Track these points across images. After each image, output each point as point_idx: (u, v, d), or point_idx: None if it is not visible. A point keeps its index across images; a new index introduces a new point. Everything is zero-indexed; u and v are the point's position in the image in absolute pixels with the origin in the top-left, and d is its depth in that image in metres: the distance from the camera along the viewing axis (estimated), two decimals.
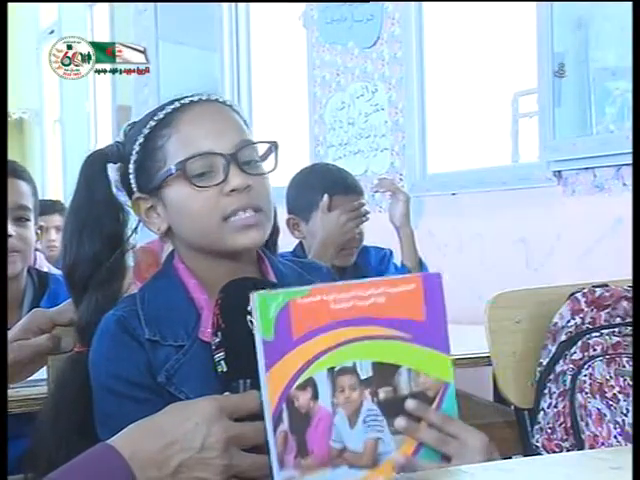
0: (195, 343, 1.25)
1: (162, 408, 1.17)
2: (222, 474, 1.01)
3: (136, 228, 1.37)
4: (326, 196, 2.59)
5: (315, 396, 1.03)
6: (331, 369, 1.03)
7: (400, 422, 1.05)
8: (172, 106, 1.31)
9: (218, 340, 1.11)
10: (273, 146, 1.34)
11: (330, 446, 1.03)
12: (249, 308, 1.09)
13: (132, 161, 1.33)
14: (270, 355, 1.01)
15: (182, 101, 1.32)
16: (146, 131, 1.32)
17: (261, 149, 1.35)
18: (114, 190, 1.36)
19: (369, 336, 1.05)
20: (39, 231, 2.19)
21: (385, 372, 1.05)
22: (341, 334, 1.04)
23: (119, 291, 1.35)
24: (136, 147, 1.32)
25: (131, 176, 1.34)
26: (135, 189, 1.34)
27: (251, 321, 1.09)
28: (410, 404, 1.05)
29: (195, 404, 1.04)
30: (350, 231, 2.62)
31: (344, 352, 1.04)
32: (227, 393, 1.10)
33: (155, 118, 1.32)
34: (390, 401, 1.06)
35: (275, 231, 1.46)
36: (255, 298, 1.00)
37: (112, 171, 1.36)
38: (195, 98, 1.32)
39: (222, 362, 1.11)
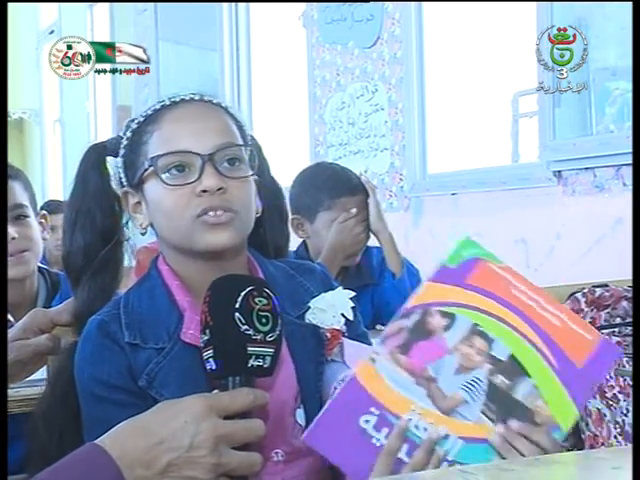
0: (176, 345, 1.24)
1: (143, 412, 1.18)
2: (211, 472, 1.00)
3: (127, 222, 1.37)
4: (354, 210, 2.60)
5: (447, 329, 1.07)
6: (475, 324, 1.07)
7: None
8: (162, 103, 1.31)
9: (207, 338, 1.10)
10: (255, 150, 1.32)
11: (425, 368, 1.07)
12: (237, 306, 1.09)
13: (121, 155, 1.34)
14: (440, 275, 1.08)
15: (173, 99, 1.31)
16: (134, 126, 1.32)
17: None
18: (113, 183, 1.36)
19: (526, 335, 1.07)
20: (42, 221, 2.18)
21: (514, 369, 1.07)
22: (505, 313, 1.07)
23: (111, 283, 1.35)
24: (124, 141, 1.33)
25: (120, 170, 1.34)
26: (125, 183, 1.34)
27: (239, 319, 1.08)
28: (514, 425, 1.07)
29: (184, 402, 1.03)
30: (363, 240, 2.64)
31: (496, 325, 1.07)
32: (216, 391, 1.09)
33: (144, 114, 1.32)
34: (499, 390, 1.07)
35: (285, 237, 1.46)
36: (464, 237, 1.08)
37: (112, 164, 1.37)
38: (186, 97, 1.31)
39: (211, 360, 1.10)
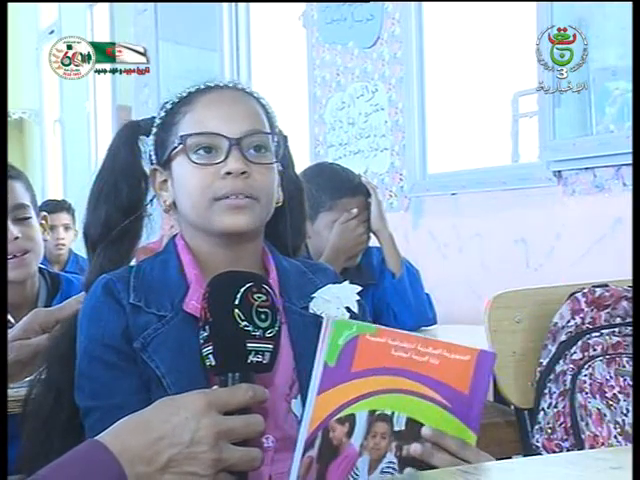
0: (178, 315, 1.27)
1: (133, 375, 1.23)
2: (212, 468, 1.01)
3: (152, 199, 1.41)
4: (355, 211, 2.60)
5: (350, 433, 1.05)
6: (372, 412, 1.06)
7: (416, 448, 1.07)
8: (196, 87, 1.36)
9: (206, 334, 1.11)
10: (282, 140, 1.36)
11: None
12: (236, 302, 1.09)
13: (153, 133, 1.38)
14: (326, 380, 1.04)
15: (207, 84, 1.36)
16: (168, 106, 1.37)
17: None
18: (142, 161, 1.40)
19: (414, 392, 1.07)
20: (43, 222, 2.18)
21: (414, 430, 1.08)
22: (392, 382, 1.06)
23: (125, 255, 1.38)
24: (157, 121, 1.37)
25: (151, 148, 1.38)
26: (154, 161, 1.38)
27: (239, 315, 1.09)
28: (426, 431, 1.07)
29: (184, 398, 1.03)
30: (364, 241, 2.64)
31: (388, 399, 1.06)
32: (216, 387, 1.10)
33: (179, 95, 1.36)
34: (410, 460, 1.07)
35: (303, 236, 1.48)
36: (331, 323, 1.04)
37: (144, 143, 1.41)
38: (221, 84, 1.36)
39: (210, 356, 1.10)
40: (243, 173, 1.28)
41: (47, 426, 1.33)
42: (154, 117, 1.39)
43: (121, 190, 1.37)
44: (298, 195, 1.45)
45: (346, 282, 1.39)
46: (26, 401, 1.38)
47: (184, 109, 1.34)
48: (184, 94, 1.36)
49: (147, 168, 1.40)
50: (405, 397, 1.07)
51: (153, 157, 1.38)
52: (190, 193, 1.30)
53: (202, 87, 1.35)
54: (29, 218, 2.07)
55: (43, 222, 2.18)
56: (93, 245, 1.38)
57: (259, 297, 1.11)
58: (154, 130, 1.37)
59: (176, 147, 1.32)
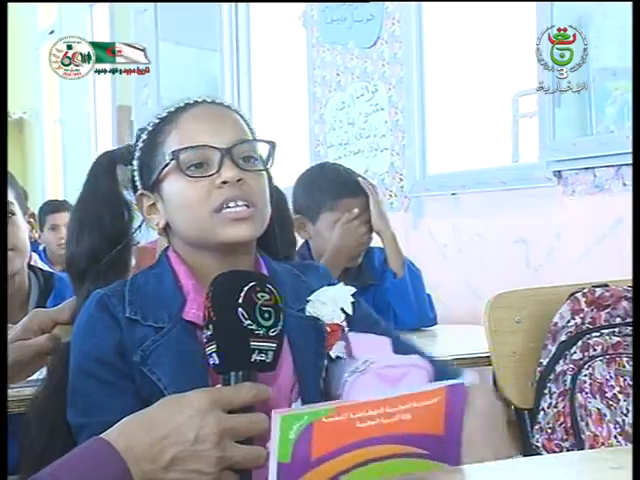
0: (176, 326, 1.27)
1: (127, 393, 1.23)
2: (216, 466, 1.01)
3: (140, 226, 1.40)
4: (356, 211, 2.60)
5: None
6: None
7: None
8: (176, 106, 1.36)
9: (210, 333, 1.11)
10: (271, 146, 1.36)
11: None
12: (240, 301, 1.09)
13: (136, 157, 1.37)
14: (284, 479, 0.96)
15: (187, 101, 1.36)
16: (150, 128, 1.36)
17: (263, 150, 1.37)
18: (122, 189, 1.40)
19: (391, 455, 1.02)
20: (31, 220, 2.16)
21: None
22: (363, 454, 1.00)
23: None
24: (140, 144, 1.36)
25: (135, 173, 1.37)
26: (139, 186, 1.37)
27: (242, 314, 1.09)
28: None
29: (188, 397, 1.04)
30: (367, 241, 2.64)
31: (364, 472, 1.01)
32: (219, 385, 1.10)
33: (159, 116, 1.36)
34: None
35: (291, 243, 1.48)
36: (277, 418, 0.96)
37: (121, 172, 1.40)
38: (199, 99, 1.36)
39: (214, 354, 1.10)
40: (238, 180, 1.28)
41: (43, 458, 1.32)
42: (129, 145, 1.39)
43: (104, 220, 1.37)
44: (283, 205, 1.48)
45: (340, 284, 1.40)
46: (24, 430, 1.36)
47: (168, 128, 1.33)
48: (165, 114, 1.35)
49: (129, 196, 1.39)
50: (382, 463, 1.01)
51: (138, 183, 1.37)
52: (187, 208, 1.30)
53: (182, 105, 1.35)
54: (12, 215, 2.04)
55: (31, 220, 2.15)
56: (80, 277, 1.37)
57: (262, 296, 1.11)
58: (137, 154, 1.37)
59: (167, 164, 1.31)
